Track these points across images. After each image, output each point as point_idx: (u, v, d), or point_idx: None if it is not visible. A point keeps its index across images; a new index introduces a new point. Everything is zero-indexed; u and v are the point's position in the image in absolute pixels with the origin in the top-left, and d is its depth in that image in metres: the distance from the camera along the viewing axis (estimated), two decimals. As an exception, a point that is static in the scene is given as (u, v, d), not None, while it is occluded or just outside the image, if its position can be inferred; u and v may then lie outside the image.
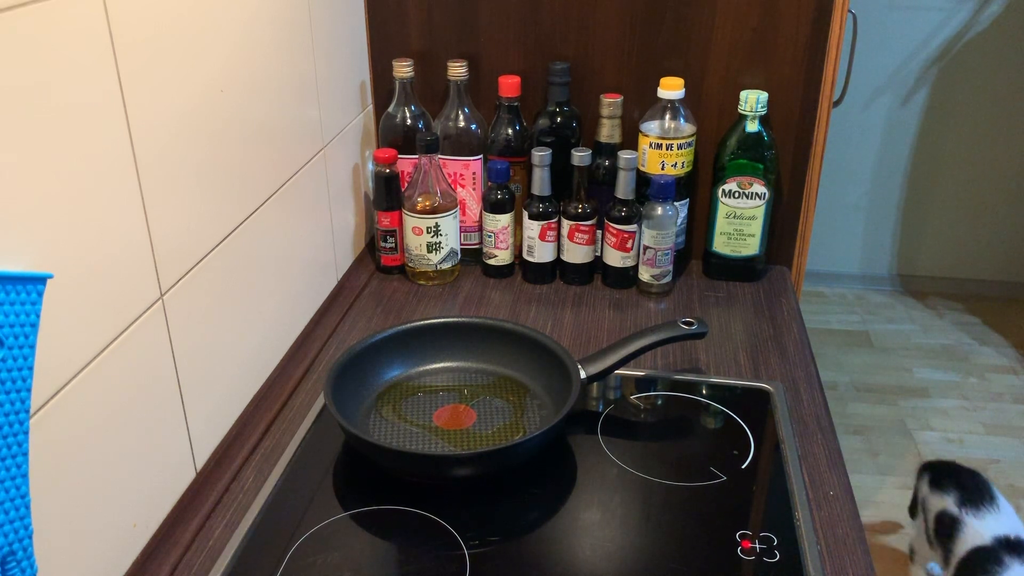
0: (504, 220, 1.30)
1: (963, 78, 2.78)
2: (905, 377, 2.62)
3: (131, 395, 0.77)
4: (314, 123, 1.15)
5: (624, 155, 1.21)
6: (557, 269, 1.33)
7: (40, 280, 0.60)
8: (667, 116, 1.26)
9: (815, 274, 3.10)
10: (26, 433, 0.58)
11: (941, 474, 1.75)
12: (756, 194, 1.26)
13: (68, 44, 0.65)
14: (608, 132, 1.27)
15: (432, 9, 1.32)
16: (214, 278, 0.90)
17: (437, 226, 1.27)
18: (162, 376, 0.82)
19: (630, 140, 1.30)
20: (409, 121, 1.31)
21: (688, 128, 1.27)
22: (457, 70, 1.28)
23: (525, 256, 1.32)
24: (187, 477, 0.88)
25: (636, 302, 1.27)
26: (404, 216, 1.28)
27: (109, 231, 0.72)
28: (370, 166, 1.39)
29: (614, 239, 1.27)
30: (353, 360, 1.00)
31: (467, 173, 1.32)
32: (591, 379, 0.99)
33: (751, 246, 1.30)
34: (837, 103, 1.33)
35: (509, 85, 1.28)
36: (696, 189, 1.35)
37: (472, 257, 1.37)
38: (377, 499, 0.88)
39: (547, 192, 1.27)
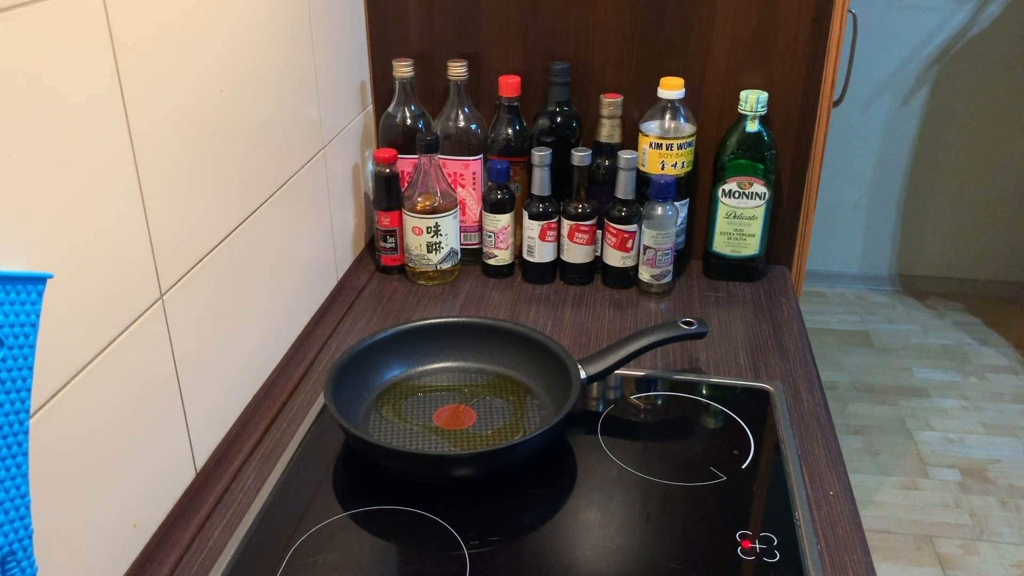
0: (504, 220, 1.30)
1: (963, 78, 2.78)
2: (905, 377, 2.62)
3: (131, 395, 0.77)
4: (314, 123, 1.15)
5: (624, 155, 1.21)
6: (557, 269, 1.33)
7: (40, 280, 0.60)
8: (667, 116, 1.26)
9: (815, 274, 3.10)
10: (26, 433, 0.58)
11: None
12: (756, 194, 1.26)
13: (68, 44, 0.65)
14: (608, 132, 1.27)
15: (432, 9, 1.32)
16: (214, 278, 0.90)
17: (437, 226, 1.27)
18: (162, 376, 0.82)
19: (630, 140, 1.30)
20: (409, 121, 1.31)
21: (688, 128, 1.27)
22: (457, 70, 1.28)
23: (525, 256, 1.32)
24: (187, 477, 0.88)
25: (636, 302, 1.27)
26: (404, 216, 1.28)
27: (109, 231, 0.72)
28: (370, 166, 1.39)
29: (614, 239, 1.27)
30: (353, 360, 1.00)
31: (467, 173, 1.32)
32: (591, 379, 0.99)
33: (751, 246, 1.30)
34: (837, 103, 1.33)
35: (509, 85, 1.28)
36: (696, 189, 1.35)
37: (472, 257, 1.37)
38: (377, 499, 0.88)
39: (547, 192, 1.27)
